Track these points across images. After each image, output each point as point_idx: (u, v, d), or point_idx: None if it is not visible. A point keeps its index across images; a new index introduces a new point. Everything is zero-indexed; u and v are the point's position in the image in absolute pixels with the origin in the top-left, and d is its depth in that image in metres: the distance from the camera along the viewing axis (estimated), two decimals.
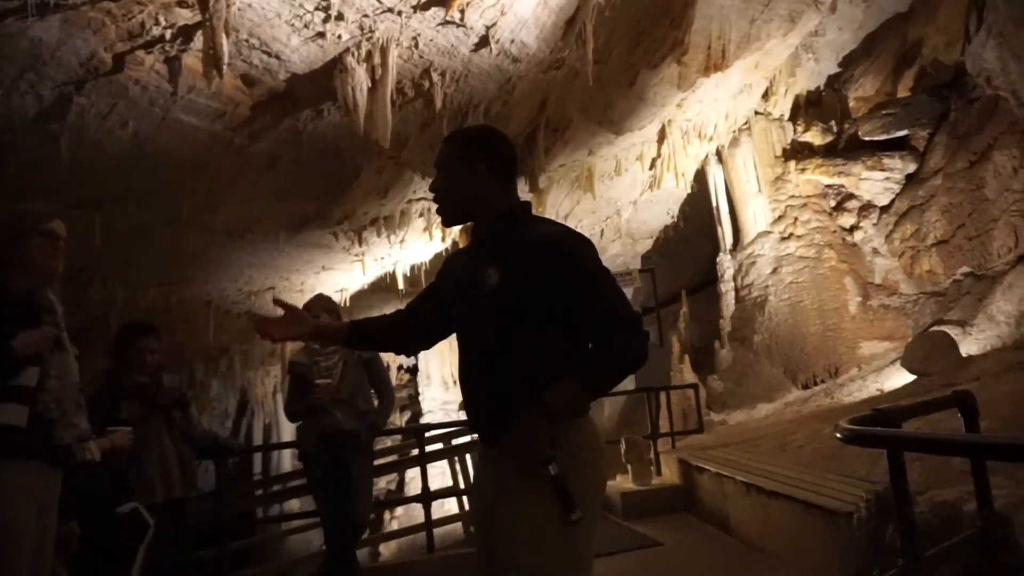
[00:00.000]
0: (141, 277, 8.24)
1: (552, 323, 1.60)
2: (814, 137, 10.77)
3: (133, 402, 3.28)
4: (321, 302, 4.02)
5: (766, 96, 10.47)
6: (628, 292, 13.64)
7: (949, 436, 1.74)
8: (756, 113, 10.71)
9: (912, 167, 9.78)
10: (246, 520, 6.78)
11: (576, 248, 1.63)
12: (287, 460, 13.81)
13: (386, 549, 10.02)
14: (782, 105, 10.69)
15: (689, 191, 10.85)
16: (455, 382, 13.69)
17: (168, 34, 4.84)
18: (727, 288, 11.36)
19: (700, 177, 11.16)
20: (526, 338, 1.59)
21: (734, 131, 10.59)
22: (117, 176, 6.20)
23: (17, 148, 5.48)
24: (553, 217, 10.27)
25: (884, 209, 9.97)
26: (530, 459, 1.49)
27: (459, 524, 6.56)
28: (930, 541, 2.19)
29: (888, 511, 2.93)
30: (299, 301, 10.14)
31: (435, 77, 6.16)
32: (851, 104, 10.97)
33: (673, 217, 12.43)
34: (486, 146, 1.74)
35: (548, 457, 1.46)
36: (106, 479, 2.45)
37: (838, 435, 1.78)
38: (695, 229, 12.75)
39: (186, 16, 4.73)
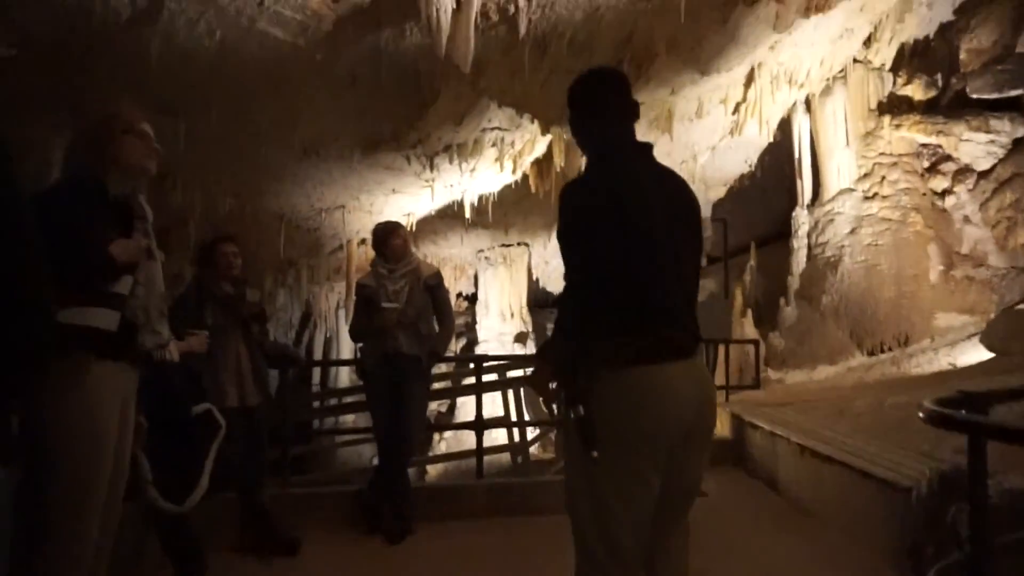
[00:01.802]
0: (219, 186, 8.47)
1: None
2: (915, 91, 10.06)
3: (217, 310, 3.42)
4: (401, 228, 4.09)
5: (868, 43, 9.77)
6: None
7: None
8: (855, 61, 10.03)
9: (1021, 131, 9.07)
10: (305, 429, 7.13)
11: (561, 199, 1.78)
12: (345, 375, 14.35)
13: (433, 470, 10.41)
14: (884, 53, 9.96)
15: (771, 140, 10.37)
16: (512, 314, 13.82)
17: None
18: (800, 244, 10.96)
19: (784, 126, 10.63)
20: None
21: (828, 79, 9.98)
22: (202, 84, 6.29)
23: (110, 50, 5.60)
24: None
25: (983, 175, 9.33)
26: (539, 397, 1.86)
27: (507, 454, 6.75)
28: (996, 529, 2.12)
29: (951, 491, 2.86)
30: (368, 222, 10.34)
31: (521, 2, 5.96)
32: (962, 57, 10.14)
33: (751, 166, 11.93)
34: (575, 94, 1.98)
35: (567, 398, 1.67)
36: (183, 379, 2.57)
37: (921, 415, 1.71)
38: (772, 180, 12.25)
39: None
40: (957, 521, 2.63)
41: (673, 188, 1.85)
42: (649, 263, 1.70)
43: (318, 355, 15.29)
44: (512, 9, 6.04)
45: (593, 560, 1.72)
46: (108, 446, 2.03)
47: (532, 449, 6.87)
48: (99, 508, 2.02)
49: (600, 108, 1.87)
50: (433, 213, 10.90)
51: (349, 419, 10.18)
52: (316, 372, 15.39)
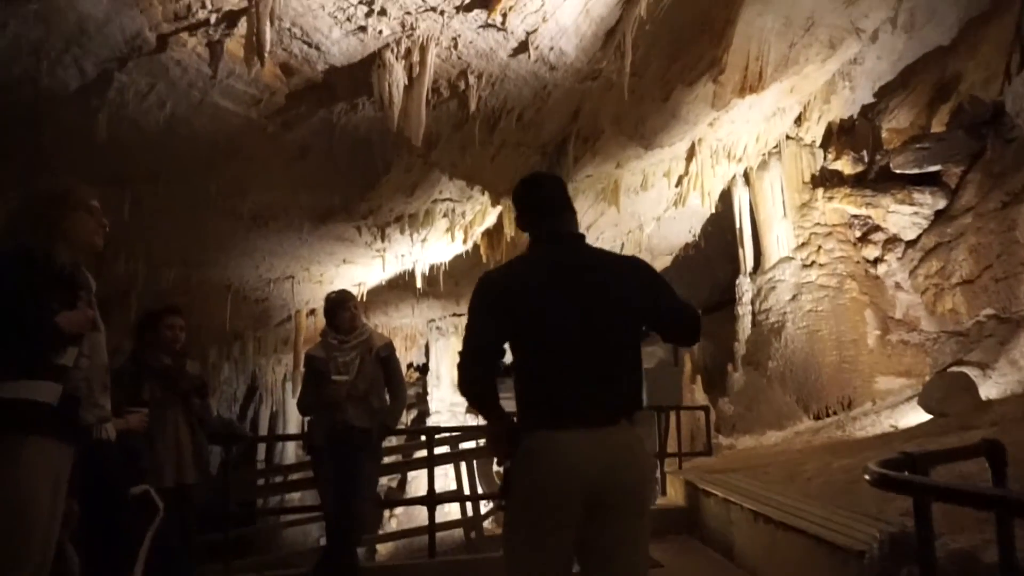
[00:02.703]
0: (164, 257, 8.29)
1: None
2: (844, 166, 10.67)
3: (155, 384, 3.30)
4: (352, 298, 4.05)
5: (799, 121, 10.39)
6: None
7: (983, 490, 1.71)
8: (788, 137, 10.63)
9: (942, 203, 9.65)
10: (248, 508, 6.81)
11: None
12: (291, 450, 13.88)
13: (384, 548, 10.02)
14: (814, 131, 10.61)
15: (713, 211, 10.78)
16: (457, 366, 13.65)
17: (213, 18, 4.87)
18: (744, 311, 11.27)
19: (725, 198, 11.09)
20: None
21: (764, 154, 10.52)
22: (151, 155, 6.25)
23: (56, 120, 5.54)
24: (578, 228, 10.25)
25: (910, 244, 9.85)
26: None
27: (460, 530, 6.56)
28: None
29: (901, 553, 2.89)
30: (318, 292, 10.22)
31: (471, 79, 6.17)
32: (884, 135, 10.87)
33: (695, 236, 12.36)
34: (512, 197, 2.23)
35: (500, 456, 2.02)
36: (119, 459, 2.46)
37: (867, 477, 1.75)
38: (716, 249, 12.67)
39: (232, 1, 4.77)
40: None
41: (598, 273, 2.02)
42: (538, 343, 1.93)
43: (264, 430, 14.77)
44: (463, 86, 6.24)
45: None
46: (38, 531, 1.91)
47: (486, 524, 6.69)
48: None
49: (529, 208, 2.14)
50: (384, 283, 10.86)
51: (295, 497, 9.77)
52: (261, 448, 14.84)
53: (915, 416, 7.56)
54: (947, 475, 3.36)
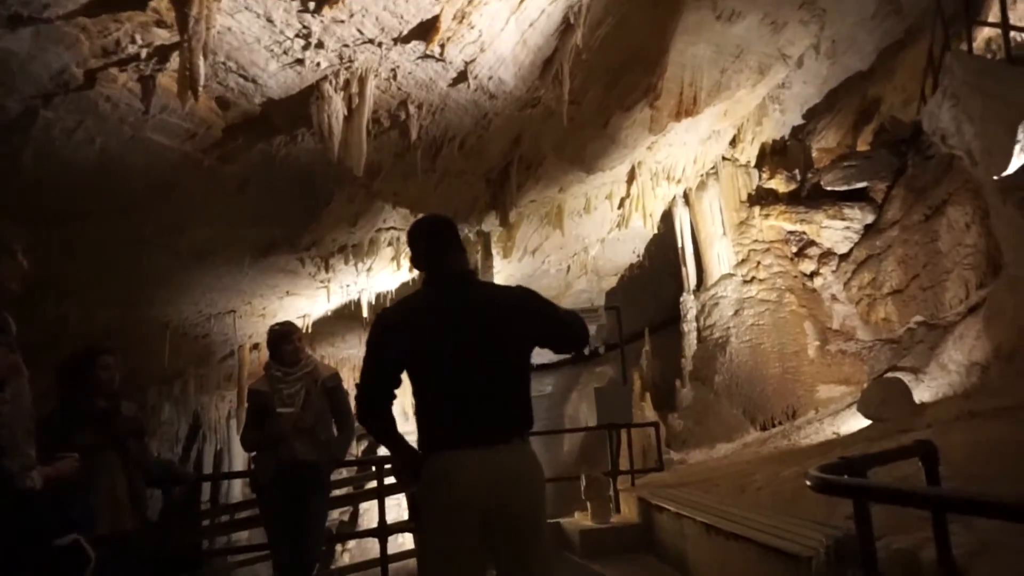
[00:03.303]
0: (98, 297, 8.00)
1: None
2: (778, 184, 11.07)
3: (87, 430, 3.15)
4: (296, 330, 3.96)
5: (734, 143, 10.77)
6: (592, 328, 13.71)
7: (916, 490, 1.78)
8: (724, 159, 10.99)
9: (871, 218, 10.10)
10: (193, 551, 6.52)
11: None
12: (237, 489, 13.42)
13: None
14: (749, 152, 11.00)
15: (656, 231, 11.03)
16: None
17: (144, 53, 4.78)
18: (690, 328, 11.50)
19: (667, 218, 11.36)
20: None
21: (702, 175, 10.84)
22: (81, 193, 6.05)
23: None
24: (522, 252, 10.36)
25: (843, 257, 10.25)
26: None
27: (414, 560, 6.43)
28: None
29: (847, 557, 2.96)
30: (261, 326, 9.98)
31: (412, 109, 6.20)
32: (814, 155, 11.35)
33: (639, 256, 12.60)
34: (408, 239, 2.40)
35: (406, 482, 2.27)
36: (46, 508, 2.34)
37: (808, 483, 1.80)
38: (660, 269, 12.93)
39: (163, 36, 4.69)
40: None
41: (483, 307, 2.19)
42: (432, 373, 2.10)
43: (208, 469, 14.25)
44: (403, 116, 6.27)
45: None
46: None
47: None
48: None
49: (418, 253, 2.32)
50: (330, 314, 10.71)
51: (243, 536, 9.43)
52: (207, 488, 14.29)
53: (856, 422, 7.80)
54: (886, 477, 3.47)
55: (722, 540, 4.19)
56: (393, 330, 2.16)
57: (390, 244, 8.66)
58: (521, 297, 2.28)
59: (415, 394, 2.14)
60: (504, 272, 10.68)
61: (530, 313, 2.24)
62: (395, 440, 2.18)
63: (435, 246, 2.29)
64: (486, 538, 2.00)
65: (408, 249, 2.44)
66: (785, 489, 5.16)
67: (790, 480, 5.34)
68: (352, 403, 2.28)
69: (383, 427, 2.18)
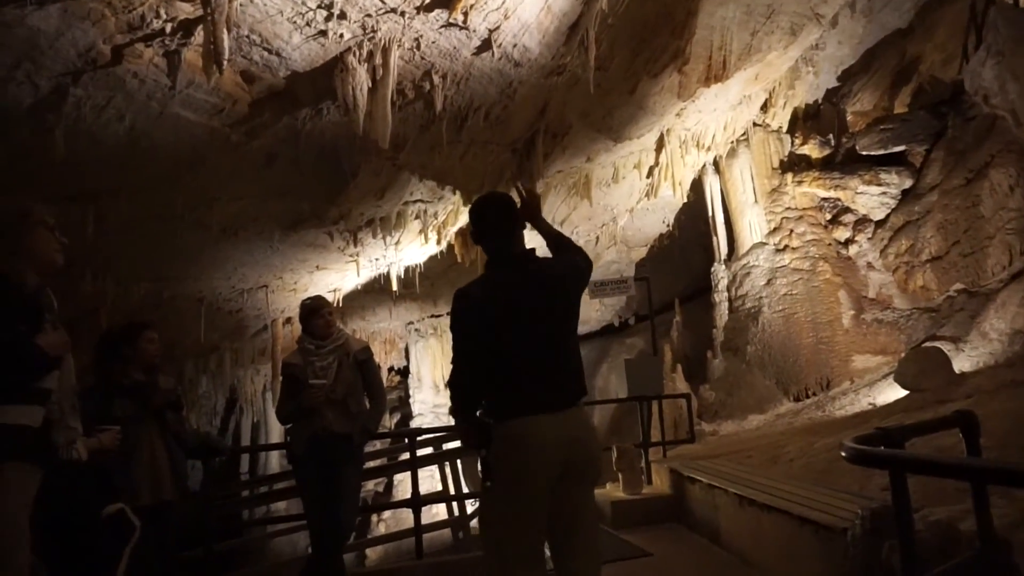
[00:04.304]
0: (133, 272, 8.15)
1: None
2: (812, 150, 10.80)
3: (127, 401, 3.23)
4: (327, 304, 3.99)
5: (765, 108, 10.51)
6: (622, 300, 13.64)
7: (955, 460, 1.72)
8: (755, 124, 10.74)
9: (908, 183, 9.81)
10: (232, 521, 6.71)
11: None
12: (275, 460, 13.73)
13: (373, 553, 9.95)
14: (781, 117, 10.73)
15: (685, 200, 10.86)
16: (447, 386, 13.67)
17: (168, 28, 4.78)
18: (721, 298, 11.37)
19: (697, 187, 11.18)
20: None
21: (732, 142, 10.61)
22: (112, 169, 6.13)
23: (10, 138, 5.40)
24: (550, 222, 10.26)
25: (879, 224, 10.00)
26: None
27: (448, 530, 6.53)
28: (927, 561, 2.17)
29: (883, 528, 2.91)
30: (293, 300, 10.10)
31: (436, 79, 6.13)
32: (849, 118, 11.02)
33: (668, 226, 12.44)
34: (470, 217, 2.55)
35: (475, 444, 2.31)
36: (91, 479, 2.40)
37: (843, 454, 1.76)
38: (690, 238, 12.77)
39: (187, 10, 4.68)
40: (891, 558, 2.68)
41: (534, 284, 2.36)
42: (511, 347, 2.26)
43: (246, 441, 14.61)
44: (428, 86, 6.20)
45: (488, 565, 2.27)
46: (19, 556, 1.88)
47: (473, 523, 6.67)
48: None
49: (484, 233, 2.48)
50: (359, 287, 10.79)
51: (281, 507, 9.67)
52: (245, 459, 14.67)
53: (892, 393, 7.68)
54: (924, 448, 3.41)
55: (756, 511, 4.16)
56: (480, 312, 2.29)
57: (417, 217, 8.65)
58: (564, 265, 2.51)
59: (492, 367, 2.28)
60: (532, 244, 10.60)
61: (573, 277, 2.48)
62: (471, 415, 2.35)
63: (501, 228, 2.45)
64: (551, 494, 2.23)
65: (471, 224, 2.55)
66: (818, 460, 5.11)
67: (823, 451, 5.29)
68: (449, 396, 2.41)
69: (474, 408, 2.34)
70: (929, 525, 2.75)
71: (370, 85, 5.70)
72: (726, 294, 11.26)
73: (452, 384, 2.35)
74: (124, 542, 2.39)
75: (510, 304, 2.31)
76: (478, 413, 2.35)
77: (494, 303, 2.31)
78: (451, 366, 2.36)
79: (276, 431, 13.70)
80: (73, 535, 2.24)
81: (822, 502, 3.72)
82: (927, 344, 8.16)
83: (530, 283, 2.37)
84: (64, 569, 2.14)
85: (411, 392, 14.41)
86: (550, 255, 2.60)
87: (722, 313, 11.28)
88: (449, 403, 2.45)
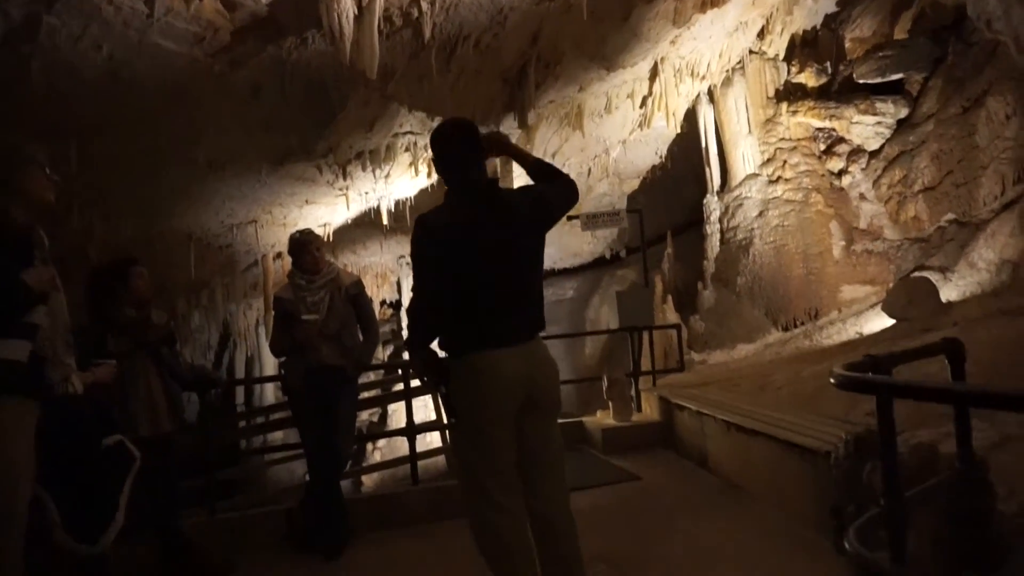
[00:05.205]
0: (120, 209, 8.05)
1: None
2: (808, 78, 10.60)
3: (121, 337, 3.24)
4: (316, 239, 3.97)
5: (762, 35, 10.23)
6: (614, 232, 13.62)
7: (940, 385, 1.77)
8: (751, 52, 10.48)
9: (904, 112, 9.69)
10: (231, 451, 6.85)
11: None
12: (270, 392, 13.92)
13: (369, 480, 10.22)
14: (777, 44, 10.46)
15: (679, 131, 10.70)
16: (407, 316, 13.76)
17: None
18: (713, 230, 11.36)
19: (690, 118, 11.00)
20: None
21: (727, 70, 10.39)
22: (93, 103, 5.96)
23: None
24: (541, 155, 10.14)
25: (873, 154, 9.92)
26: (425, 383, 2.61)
27: (442, 457, 6.68)
28: (907, 482, 2.25)
29: (865, 452, 3.01)
30: (283, 235, 10.03)
31: (424, 5, 5.93)
32: (847, 45, 10.77)
33: (661, 157, 12.30)
34: (432, 143, 2.40)
35: (435, 381, 2.32)
36: (90, 412, 2.43)
37: (832, 380, 1.79)
38: (683, 170, 12.65)
39: None
40: (872, 479, 2.77)
41: (500, 214, 2.30)
42: (472, 279, 2.22)
43: (240, 375, 14.76)
44: (416, 13, 6.00)
45: (471, 498, 2.30)
46: (22, 489, 1.92)
47: None
48: (19, 547, 1.92)
49: (446, 161, 2.37)
50: (350, 222, 10.71)
51: (278, 437, 9.87)
52: (241, 392, 14.86)
53: (879, 322, 7.79)
54: (910, 375, 3.48)
55: (743, 436, 4.28)
56: (442, 239, 2.21)
57: (407, 150, 8.51)
58: (530, 196, 2.44)
59: (453, 298, 2.22)
60: (524, 176, 10.50)
61: (539, 208, 2.40)
62: (427, 348, 2.32)
63: (464, 156, 2.35)
64: (517, 422, 2.28)
65: (431, 153, 2.45)
66: (806, 388, 5.22)
67: (811, 379, 5.40)
68: (404, 321, 2.41)
69: (431, 339, 2.30)
70: (911, 448, 2.84)
71: (356, 12, 5.51)
72: (718, 226, 11.24)
73: (411, 315, 2.29)
74: (125, 472, 2.44)
75: (473, 234, 2.24)
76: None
77: (457, 233, 2.23)
78: (415, 297, 2.30)
79: (270, 364, 13.83)
80: (75, 466, 2.28)
81: (808, 427, 3.82)
82: (915, 274, 8.23)
83: (494, 213, 2.30)
84: (68, 499, 2.18)
85: (403, 325, 14.51)
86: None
87: (713, 245, 11.30)
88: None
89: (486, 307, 2.24)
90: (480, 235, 2.24)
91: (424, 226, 2.24)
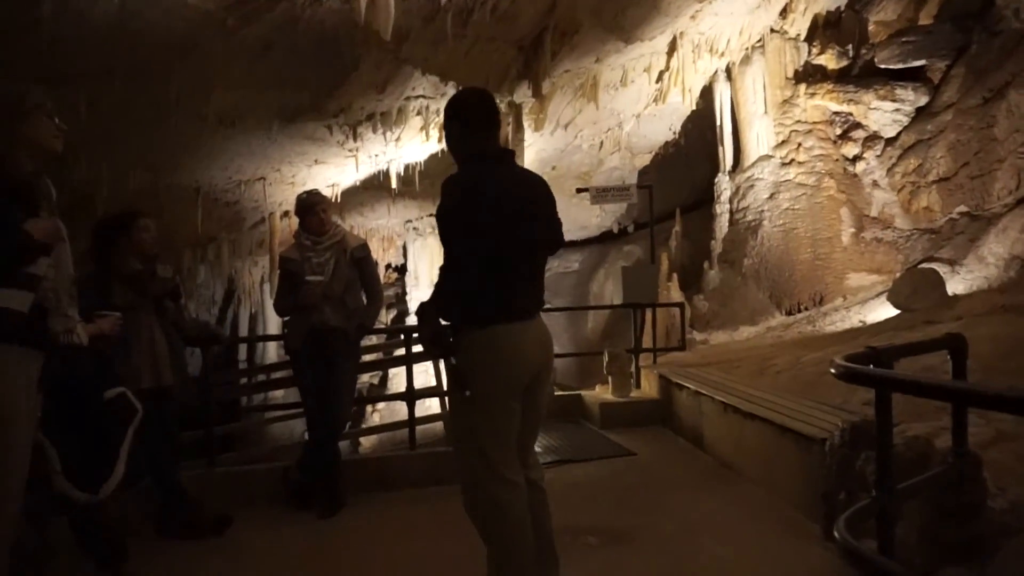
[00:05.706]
0: (128, 160, 8.01)
1: None
2: (828, 60, 10.42)
3: (125, 290, 3.25)
4: (323, 200, 3.95)
5: (784, 13, 10.04)
6: (622, 207, 13.54)
7: (940, 383, 1.76)
8: (772, 31, 10.30)
9: (924, 100, 9.54)
10: (232, 406, 6.93)
11: None
12: (272, 350, 14.02)
13: (367, 442, 10.33)
14: (799, 24, 10.27)
15: (694, 108, 10.57)
16: (439, 283, 13.75)
17: None
18: (722, 210, 11.29)
19: (706, 95, 10.85)
20: None
21: (747, 48, 10.22)
22: (102, 51, 5.89)
23: None
24: (554, 125, 10.04)
25: (890, 141, 9.80)
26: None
27: (440, 423, 6.75)
28: (901, 474, 2.26)
29: (860, 441, 3.02)
30: (291, 194, 10.03)
31: None
32: (871, 28, 10.56)
33: (675, 134, 12.16)
34: (457, 107, 2.34)
35: (444, 353, 2.23)
36: (92, 363, 2.45)
37: (833, 371, 1.79)
38: (695, 148, 12.52)
39: None
40: (865, 468, 2.79)
41: (524, 187, 2.32)
42: (496, 250, 2.18)
43: (244, 332, 14.86)
44: None
45: (472, 472, 2.27)
46: (22, 440, 1.94)
47: None
48: (20, 493, 1.95)
49: (472, 120, 2.32)
50: (358, 184, 10.66)
51: (278, 395, 9.96)
52: (243, 349, 14.98)
53: (883, 311, 7.77)
54: (911, 367, 3.48)
55: (739, 418, 4.30)
56: (479, 204, 2.17)
57: (419, 113, 8.43)
58: (544, 185, 2.45)
59: (474, 266, 2.17)
60: (535, 146, 10.42)
61: (550, 202, 2.43)
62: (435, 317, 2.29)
63: (492, 117, 2.33)
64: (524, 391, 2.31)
65: (449, 119, 2.37)
66: (805, 373, 5.23)
67: (811, 365, 5.40)
68: (433, 295, 2.29)
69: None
70: (906, 440, 2.85)
71: None
72: (728, 206, 11.17)
73: (452, 282, 2.20)
74: (127, 424, 2.46)
75: (507, 202, 2.21)
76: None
77: (494, 200, 2.19)
78: (445, 264, 2.23)
79: (273, 322, 13.91)
80: (77, 417, 2.31)
81: (804, 413, 3.83)
82: (923, 265, 8.19)
83: (521, 183, 2.31)
84: (71, 449, 2.21)
85: (408, 290, 14.55)
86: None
87: (722, 225, 11.23)
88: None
89: (515, 278, 2.24)
90: (512, 203, 2.23)
91: (470, 191, 2.17)
